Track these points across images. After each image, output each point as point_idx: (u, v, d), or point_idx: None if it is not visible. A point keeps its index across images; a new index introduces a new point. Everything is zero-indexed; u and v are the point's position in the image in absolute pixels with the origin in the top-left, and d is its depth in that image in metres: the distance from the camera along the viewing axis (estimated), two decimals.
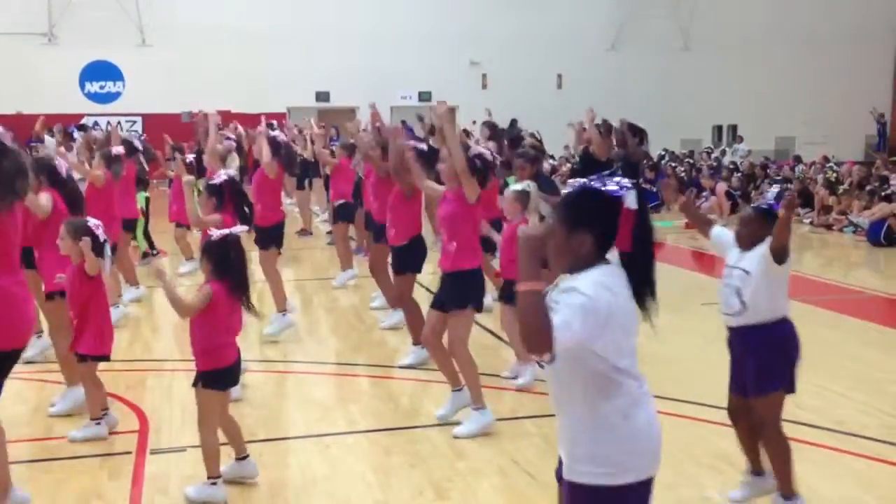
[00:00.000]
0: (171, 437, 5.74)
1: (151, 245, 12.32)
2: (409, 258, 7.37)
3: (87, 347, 5.66)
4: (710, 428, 5.83)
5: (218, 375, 4.76)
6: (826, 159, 21.52)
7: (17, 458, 4.82)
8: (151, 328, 9.16)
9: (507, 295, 6.57)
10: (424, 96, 28.65)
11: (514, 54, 27.84)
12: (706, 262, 12.94)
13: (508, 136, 12.35)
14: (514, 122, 20.10)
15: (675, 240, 14.96)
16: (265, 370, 7.27)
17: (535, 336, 2.54)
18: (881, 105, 30.73)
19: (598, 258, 2.74)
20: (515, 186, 6.76)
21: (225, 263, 4.73)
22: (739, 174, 19.82)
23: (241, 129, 17.42)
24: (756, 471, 4.67)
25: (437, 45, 27.33)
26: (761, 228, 4.53)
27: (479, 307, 6.00)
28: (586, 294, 2.62)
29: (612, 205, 2.72)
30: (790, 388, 4.49)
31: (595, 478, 2.74)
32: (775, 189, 4.97)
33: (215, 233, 4.80)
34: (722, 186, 17.48)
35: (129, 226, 9.95)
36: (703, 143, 24.72)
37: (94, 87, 26.60)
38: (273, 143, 8.37)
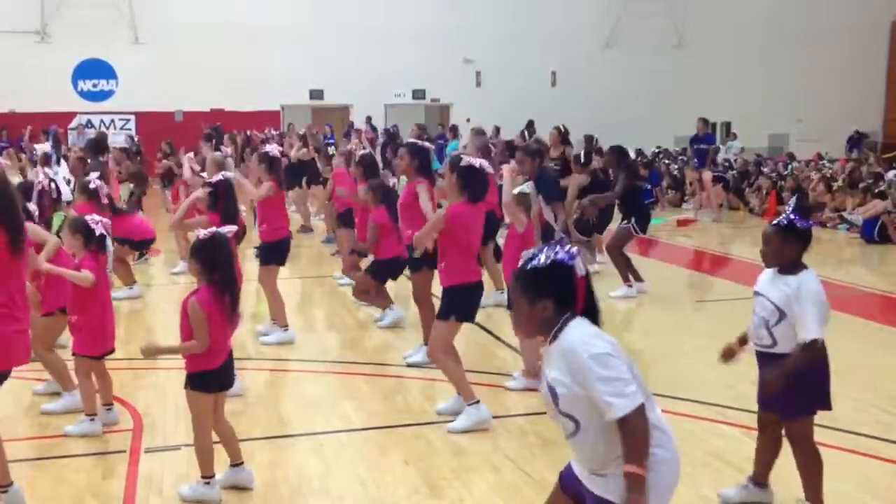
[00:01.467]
0: (165, 435, 5.73)
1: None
2: (428, 255, 7.34)
3: (81, 347, 5.68)
4: (704, 426, 5.84)
5: (204, 377, 4.71)
6: (820, 156, 21.58)
7: (12, 456, 4.80)
8: (146, 327, 9.14)
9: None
10: (418, 94, 28.64)
11: (509, 52, 27.84)
12: (699, 260, 12.97)
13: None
14: (531, 123, 20.03)
15: (668, 237, 14.98)
16: (259, 368, 7.26)
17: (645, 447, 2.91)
18: (876, 103, 30.81)
19: (560, 316, 3.03)
20: (516, 189, 6.82)
21: (212, 263, 4.71)
22: (733, 171, 19.84)
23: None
24: (759, 482, 4.66)
25: (431, 43, 27.31)
26: (784, 244, 4.26)
27: (463, 320, 5.97)
28: (605, 350, 2.95)
29: (565, 272, 3.04)
30: (825, 407, 4.40)
31: None
32: (793, 201, 4.39)
33: (202, 232, 4.80)
34: (708, 175, 17.39)
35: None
36: None
37: (87, 85, 26.53)
38: (267, 160, 8.19)
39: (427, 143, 8.57)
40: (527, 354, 6.71)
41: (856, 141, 28.34)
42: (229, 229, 4.95)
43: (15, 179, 17.97)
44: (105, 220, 5.85)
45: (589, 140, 16.83)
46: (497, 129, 24.70)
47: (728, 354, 4.57)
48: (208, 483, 4.74)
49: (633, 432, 2.89)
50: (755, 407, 4.56)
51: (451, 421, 5.83)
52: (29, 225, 5.98)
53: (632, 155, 11.49)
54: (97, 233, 5.64)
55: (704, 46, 29.13)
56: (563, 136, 12.97)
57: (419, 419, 6.03)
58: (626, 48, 28.93)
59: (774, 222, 4.30)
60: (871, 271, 12.40)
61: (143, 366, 7.32)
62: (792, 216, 4.24)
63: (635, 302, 9.98)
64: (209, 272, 4.70)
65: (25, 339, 4.49)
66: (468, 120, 24.11)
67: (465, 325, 7.20)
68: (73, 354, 5.81)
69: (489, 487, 4.99)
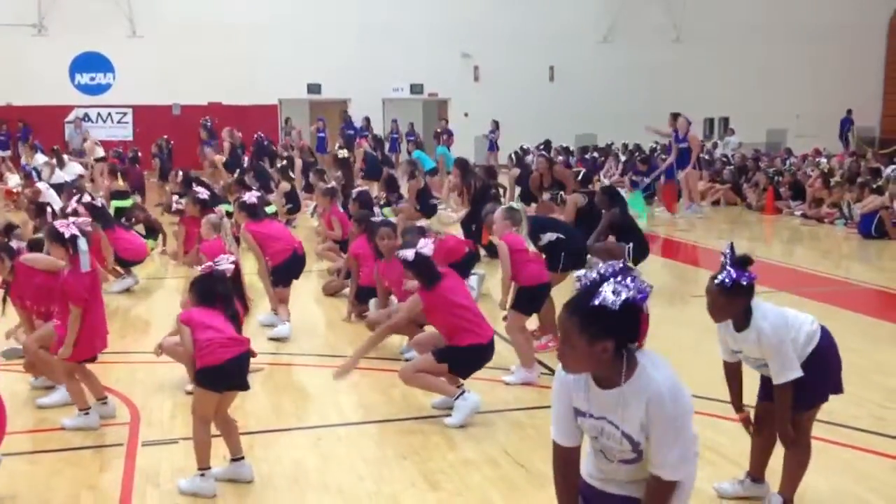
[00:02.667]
0: (163, 429, 5.73)
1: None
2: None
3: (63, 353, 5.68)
4: (700, 419, 5.83)
5: (207, 373, 4.71)
6: (818, 152, 21.58)
7: (8, 450, 4.80)
8: (143, 320, 9.14)
9: (517, 303, 6.71)
10: (416, 89, 28.60)
11: (507, 47, 27.81)
12: (697, 254, 12.97)
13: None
14: (548, 143, 20.02)
15: (666, 231, 14.98)
16: (256, 362, 7.23)
17: None
18: (874, 98, 30.82)
19: (621, 354, 2.82)
20: (504, 205, 7.16)
21: (209, 298, 4.82)
22: (731, 167, 19.84)
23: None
24: (756, 477, 4.66)
25: (429, 38, 27.29)
26: (730, 303, 4.14)
27: (457, 375, 5.94)
28: (690, 405, 2.95)
29: (634, 312, 2.78)
30: (836, 391, 4.40)
31: None
32: (727, 249, 4.11)
33: (199, 267, 4.92)
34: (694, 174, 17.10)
35: None
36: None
37: (84, 78, 26.49)
38: (249, 208, 8.47)
39: None
40: (521, 349, 6.72)
41: (846, 123, 28.30)
42: (227, 266, 5.00)
43: (13, 178, 18.11)
44: (77, 220, 5.83)
45: (590, 161, 16.64)
46: (496, 124, 24.72)
47: (748, 423, 4.56)
48: (203, 475, 4.75)
49: (669, 493, 2.88)
50: (749, 401, 4.55)
51: (448, 415, 5.83)
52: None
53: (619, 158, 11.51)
54: (67, 235, 5.63)
55: (703, 42, 29.13)
56: (550, 162, 13.18)
57: (416, 413, 6.03)
58: (624, 43, 28.91)
59: (717, 281, 4.11)
60: (869, 266, 12.41)
61: (140, 360, 7.32)
62: (734, 274, 4.08)
63: None
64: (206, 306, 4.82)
65: None
66: (466, 115, 24.11)
67: None
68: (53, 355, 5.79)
69: (487, 481, 4.99)
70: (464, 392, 5.82)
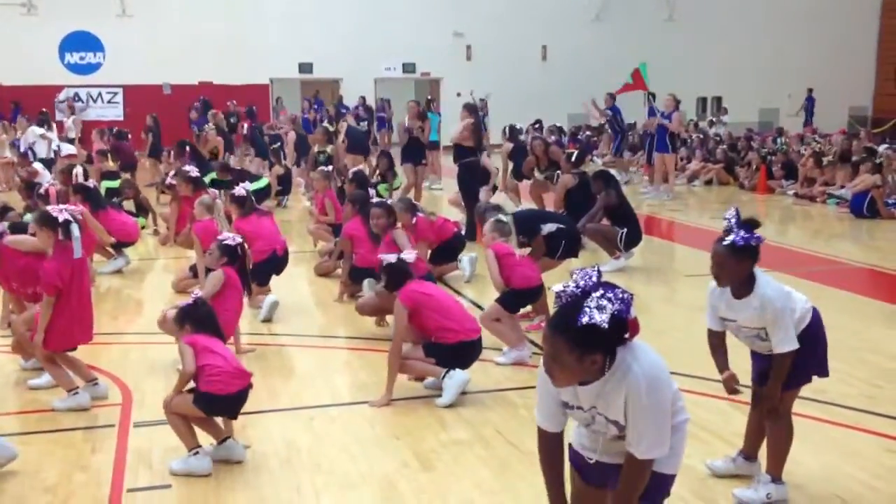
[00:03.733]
0: (155, 410, 5.67)
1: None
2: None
3: (45, 343, 5.66)
4: (692, 399, 5.86)
5: (210, 399, 4.79)
6: (813, 131, 21.56)
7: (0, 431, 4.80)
8: (135, 301, 9.12)
9: (504, 299, 6.76)
10: (408, 68, 28.47)
11: (499, 26, 27.70)
12: (689, 234, 12.98)
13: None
14: (539, 123, 19.97)
15: (656, 211, 14.99)
16: (248, 343, 7.25)
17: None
18: (866, 77, 30.80)
19: (610, 357, 2.88)
20: (493, 216, 7.23)
21: (204, 324, 4.96)
22: (723, 146, 19.83)
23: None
24: (748, 456, 4.69)
25: (421, 17, 27.15)
26: (739, 265, 4.12)
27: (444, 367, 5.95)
28: (666, 398, 2.96)
29: (621, 324, 2.82)
30: (821, 374, 4.43)
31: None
32: (732, 213, 4.13)
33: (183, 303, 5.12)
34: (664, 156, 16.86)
35: None
36: (687, 116, 24.73)
37: (74, 58, 26.30)
38: (238, 200, 8.70)
39: None
40: (502, 336, 6.73)
41: (809, 100, 28.08)
42: (205, 294, 5.28)
43: (6, 152, 18.01)
44: (71, 206, 5.80)
45: (584, 141, 16.44)
46: (484, 103, 24.42)
47: (733, 381, 4.49)
48: (196, 454, 4.77)
49: (644, 470, 2.97)
50: (744, 380, 4.54)
51: (439, 395, 5.85)
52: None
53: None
54: (61, 219, 5.59)
55: (695, 20, 29.05)
56: (546, 144, 13.22)
57: (409, 393, 6.03)
58: (616, 22, 28.81)
59: (726, 243, 4.09)
60: (860, 246, 12.43)
61: (133, 341, 7.32)
62: (744, 234, 4.08)
63: (625, 276, 10.00)
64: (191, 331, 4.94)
65: None
66: (458, 94, 24.03)
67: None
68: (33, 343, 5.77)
69: (479, 461, 5.00)
70: (448, 370, 5.84)
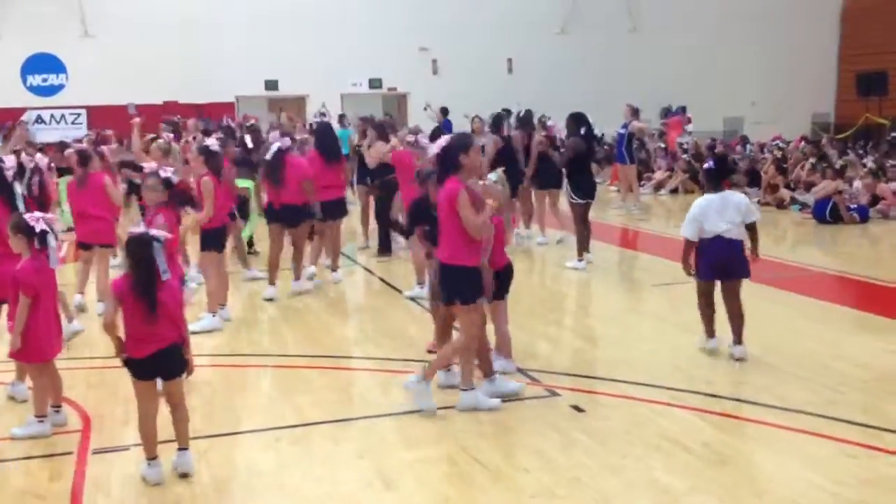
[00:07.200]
0: (114, 436, 5.64)
1: None
2: None
3: (20, 354, 5.61)
4: (656, 409, 5.87)
5: (134, 365, 4.90)
6: (781, 139, 21.68)
7: None
8: (98, 324, 8.99)
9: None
10: (375, 83, 28.46)
11: (464, 39, 27.76)
12: (655, 243, 13.04)
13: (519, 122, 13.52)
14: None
15: (624, 221, 15.05)
16: (212, 364, 7.17)
17: None
18: (828, 84, 31.16)
19: None
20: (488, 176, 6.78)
21: (135, 260, 4.88)
22: (686, 156, 19.97)
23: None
24: (712, 335, 7.03)
25: (386, 31, 27.14)
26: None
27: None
28: None
29: None
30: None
31: None
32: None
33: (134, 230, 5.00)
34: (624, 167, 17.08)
35: None
36: (652, 125, 24.84)
37: (36, 80, 26.01)
38: (206, 152, 8.40)
39: None
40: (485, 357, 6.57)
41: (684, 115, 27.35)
42: (160, 232, 5.01)
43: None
44: (48, 215, 5.73)
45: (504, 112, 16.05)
46: (444, 111, 24.14)
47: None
48: (150, 465, 4.90)
49: None
50: (707, 389, 4.60)
51: (407, 412, 5.82)
52: None
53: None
54: (38, 229, 5.52)
55: (658, 30, 29.27)
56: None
57: (373, 412, 6.00)
58: (581, 33, 28.97)
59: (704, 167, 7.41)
60: (824, 251, 12.56)
61: (93, 365, 7.22)
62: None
63: (591, 285, 10.03)
64: (132, 266, 4.87)
65: None
66: (426, 108, 24.01)
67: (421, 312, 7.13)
68: (10, 358, 5.70)
69: (443, 477, 4.97)
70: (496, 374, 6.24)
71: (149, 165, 7.38)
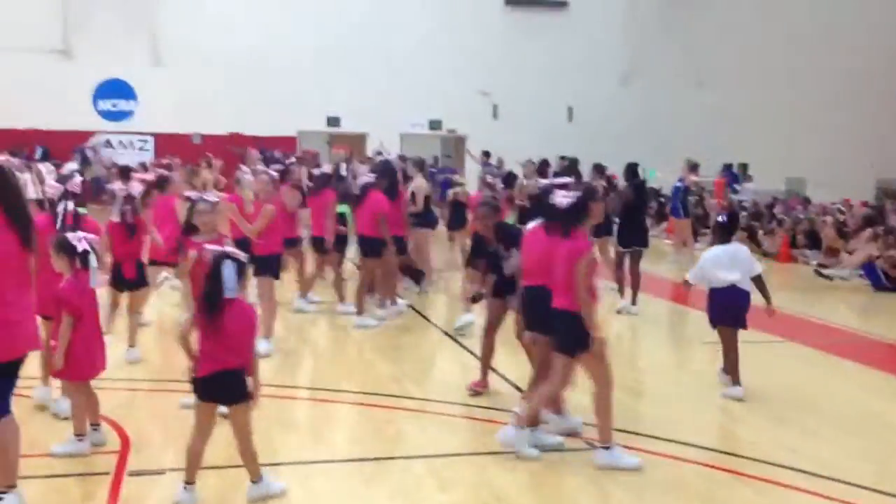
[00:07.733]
0: (152, 459, 5.66)
1: None
2: None
3: (62, 372, 5.67)
4: (695, 469, 5.74)
5: (193, 381, 4.92)
6: (848, 202, 21.22)
7: None
8: (146, 347, 9.09)
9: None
10: (434, 125, 28.71)
11: (526, 85, 27.95)
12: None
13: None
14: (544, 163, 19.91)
15: (676, 275, 14.83)
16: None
17: None
18: (892, 146, 30.57)
19: None
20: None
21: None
22: (745, 213, 19.72)
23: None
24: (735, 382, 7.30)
25: (448, 74, 27.44)
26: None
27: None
28: None
29: None
30: None
31: None
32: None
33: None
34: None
35: None
36: (709, 181, 24.59)
37: (107, 104, 26.74)
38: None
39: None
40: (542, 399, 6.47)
41: (731, 173, 26.58)
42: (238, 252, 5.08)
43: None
44: (90, 236, 5.82)
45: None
46: (486, 155, 24.13)
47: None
48: (185, 489, 4.90)
49: None
50: (747, 452, 4.46)
51: (442, 454, 5.76)
52: None
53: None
54: (80, 249, 5.61)
55: (724, 85, 29.11)
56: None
57: (409, 452, 5.96)
58: (644, 85, 28.96)
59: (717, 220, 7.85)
60: (873, 319, 12.24)
61: (141, 387, 7.29)
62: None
63: (638, 339, 9.89)
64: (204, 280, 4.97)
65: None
66: (484, 153, 24.06)
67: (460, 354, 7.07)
68: (53, 377, 5.77)
69: None
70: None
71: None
